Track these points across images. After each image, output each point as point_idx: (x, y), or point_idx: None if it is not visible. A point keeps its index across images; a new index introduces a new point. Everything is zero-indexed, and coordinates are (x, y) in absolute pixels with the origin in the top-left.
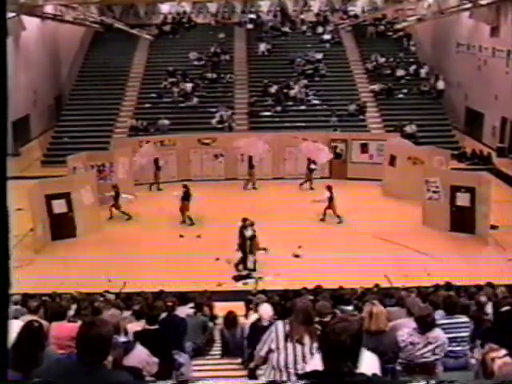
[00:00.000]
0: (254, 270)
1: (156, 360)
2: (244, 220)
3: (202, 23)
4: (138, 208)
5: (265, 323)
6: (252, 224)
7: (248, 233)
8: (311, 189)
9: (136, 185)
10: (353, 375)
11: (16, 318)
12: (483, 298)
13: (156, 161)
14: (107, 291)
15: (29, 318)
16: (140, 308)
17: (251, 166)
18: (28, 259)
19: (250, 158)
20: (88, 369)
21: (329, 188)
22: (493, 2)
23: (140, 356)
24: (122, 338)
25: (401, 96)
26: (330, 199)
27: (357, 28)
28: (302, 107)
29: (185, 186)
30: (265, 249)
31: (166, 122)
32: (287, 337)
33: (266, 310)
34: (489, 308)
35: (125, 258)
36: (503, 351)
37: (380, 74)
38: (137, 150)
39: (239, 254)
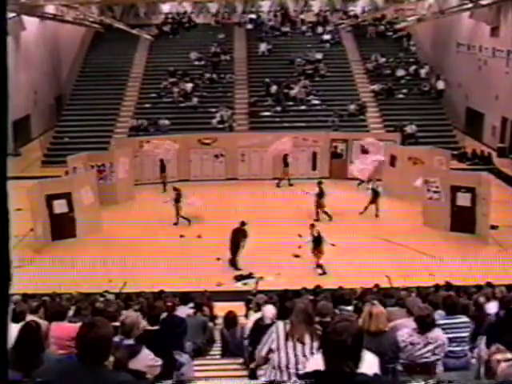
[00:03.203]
0: (323, 271)
1: (160, 362)
2: (312, 225)
3: (202, 23)
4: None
5: (267, 321)
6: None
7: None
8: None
9: (136, 184)
10: (354, 375)
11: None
12: (482, 299)
13: (285, 157)
14: (107, 291)
15: (29, 318)
16: (140, 308)
17: (286, 165)
18: (28, 259)
19: (285, 156)
20: (88, 369)
21: (319, 184)
22: (493, 3)
23: (145, 360)
24: (129, 341)
25: (401, 96)
26: (320, 196)
27: (357, 28)
28: (302, 107)
29: (175, 189)
30: (333, 244)
31: (167, 122)
32: (287, 336)
33: (270, 309)
34: (491, 307)
35: (125, 258)
36: (510, 355)
37: (380, 74)
38: (137, 150)
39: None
